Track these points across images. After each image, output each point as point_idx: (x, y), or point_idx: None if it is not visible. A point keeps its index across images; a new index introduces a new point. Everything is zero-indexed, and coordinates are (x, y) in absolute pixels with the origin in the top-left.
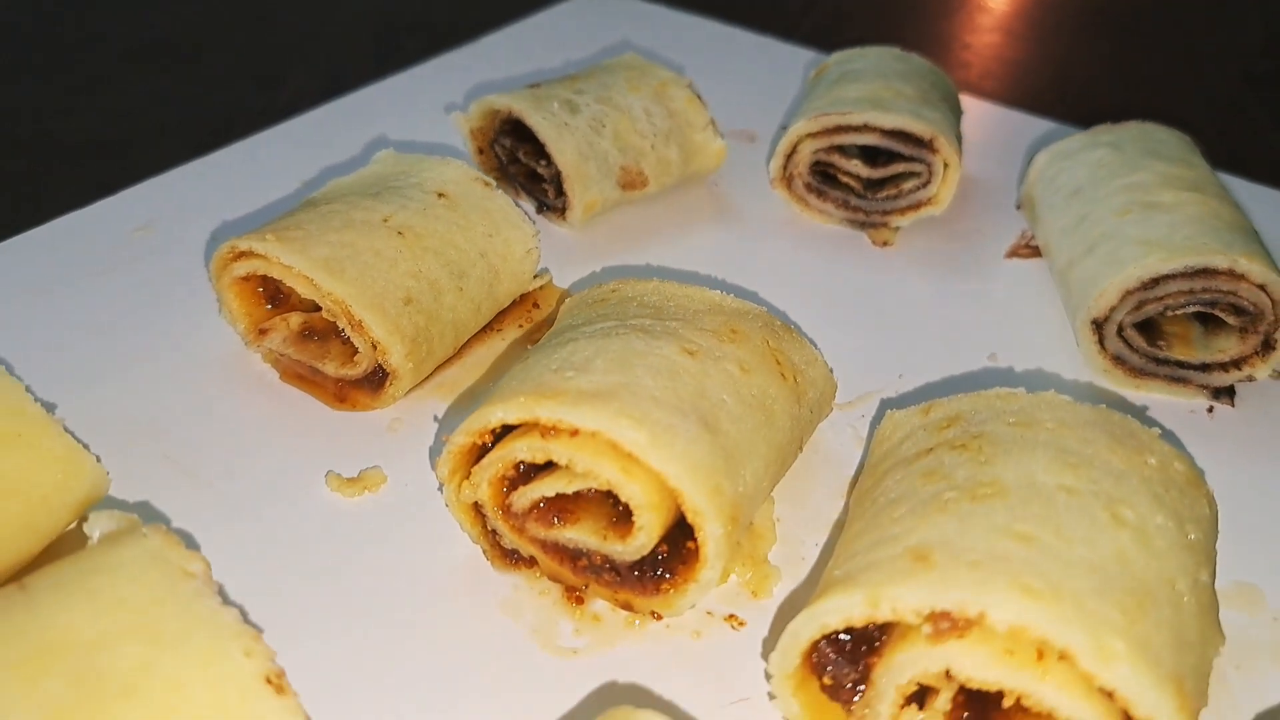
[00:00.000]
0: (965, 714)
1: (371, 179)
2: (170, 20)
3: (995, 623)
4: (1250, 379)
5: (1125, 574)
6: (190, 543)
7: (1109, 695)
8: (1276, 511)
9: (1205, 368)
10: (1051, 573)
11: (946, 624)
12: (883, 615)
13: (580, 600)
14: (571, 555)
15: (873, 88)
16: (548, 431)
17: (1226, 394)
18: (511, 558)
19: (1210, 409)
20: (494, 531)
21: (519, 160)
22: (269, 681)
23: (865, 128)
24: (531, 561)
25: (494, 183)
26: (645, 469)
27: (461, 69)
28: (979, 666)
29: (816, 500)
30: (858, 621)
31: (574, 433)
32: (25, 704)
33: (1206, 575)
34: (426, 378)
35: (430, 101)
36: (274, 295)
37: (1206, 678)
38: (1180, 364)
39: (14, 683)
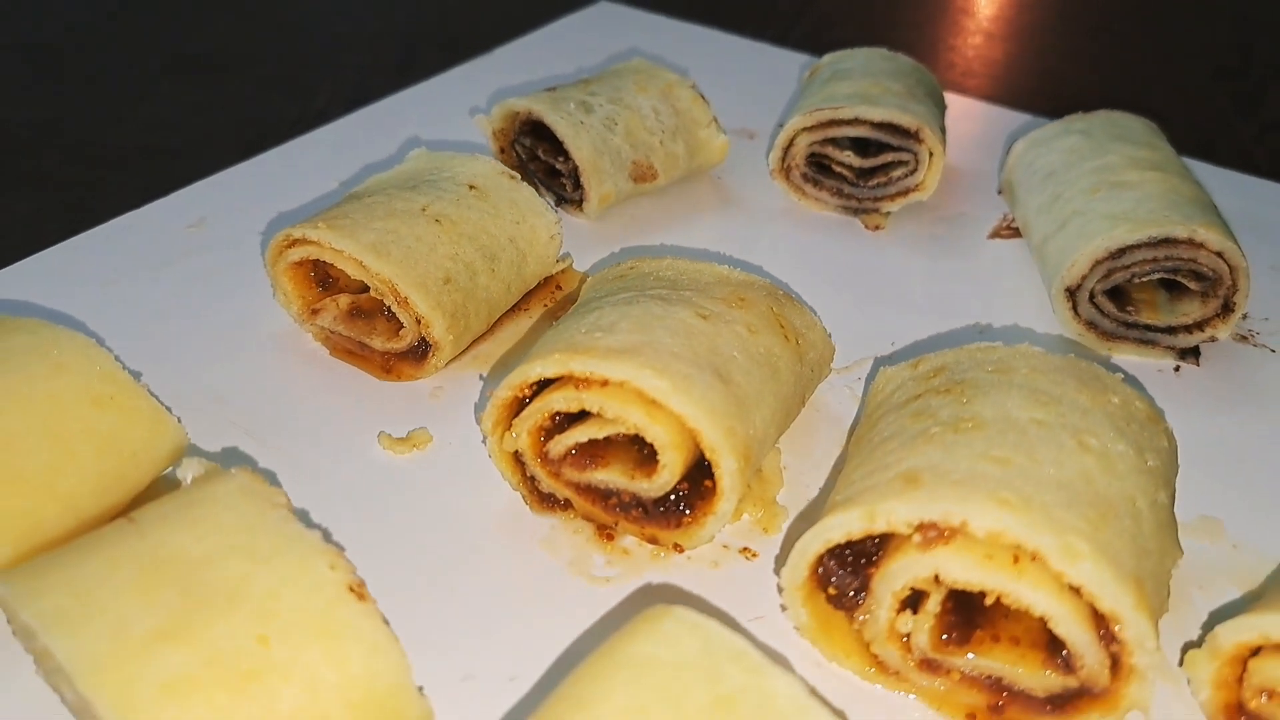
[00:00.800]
0: (953, 618)
1: (408, 174)
2: (204, 36)
3: (975, 530)
4: (1213, 339)
5: (1089, 491)
6: None
7: (1077, 592)
8: (1236, 455)
9: (1171, 330)
10: (1023, 488)
11: (934, 533)
12: (878, 528)
13: (611, 537)
14: (602, 495)
15: (862, 85)
16: (580, 383)
17: (1191, 354)
18: (548, 501)
19: (1177, 368)
20: (532, 478)
21: (538, 158)
22: (351, 590)
23: (856, 121)
24: (567, 504)
25: (518, 176)
26: (667, 413)
27: (481, 77)
28: (963, 570)
29: (818, 450)
30: (857, 534)
31: (604, 383)
32: (146, 612)
33: (1165, 497)
34: (463, 351)
35: (454, 107)
36: (323, 279)
37: (1165, 585)
38: (1148, 327)
39: (134, 594)
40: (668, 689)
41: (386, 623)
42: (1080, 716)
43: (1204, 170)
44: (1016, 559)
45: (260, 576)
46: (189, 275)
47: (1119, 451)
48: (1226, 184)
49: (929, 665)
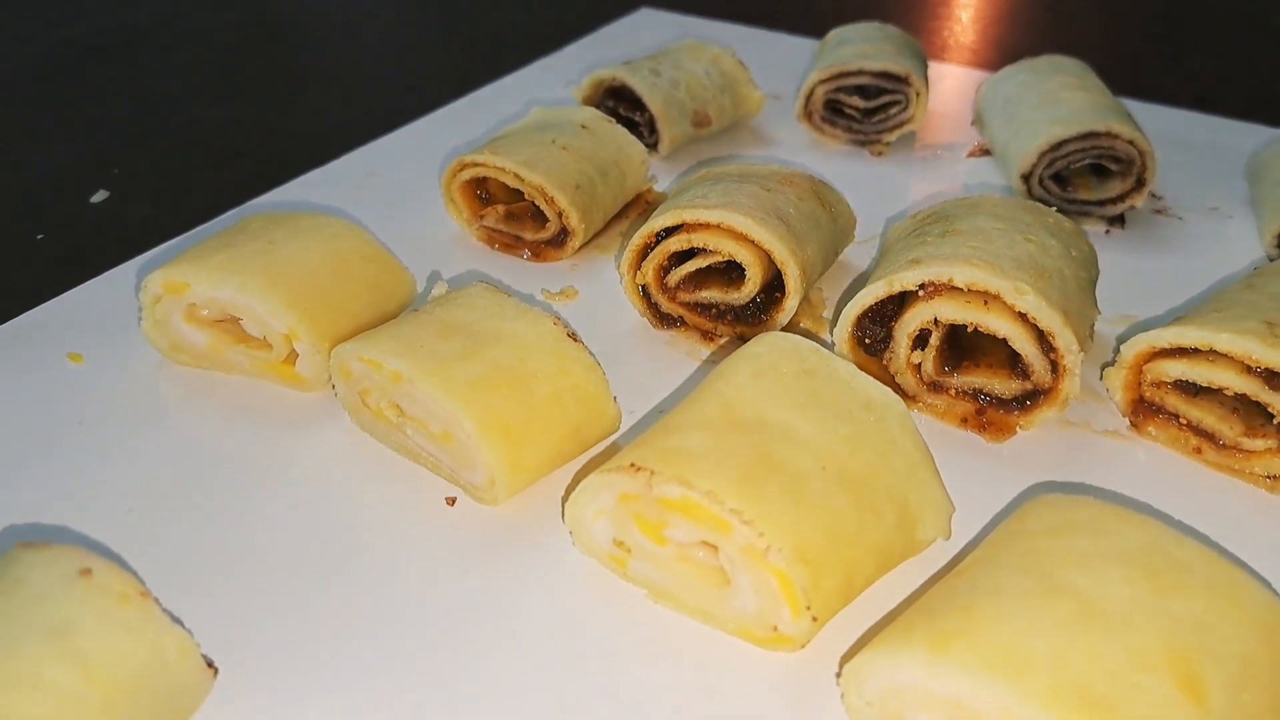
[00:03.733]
0: (948, 351)
1: (534, 123)
2: (316, 53)
3: (959, 283)
4: (1132, 208)
5: (1031, 262)
6: None
7: (1025, 319)
8: (1148, 283)
9: (1101, 203)
10: (988, 258)
11: (932, 288)
12: (895, 290)
13: (711, 339)
14: (706, 308)
15: (862, 48)
16: (690, 229)
17: (1118, 221)
18: (666, 320)
19: (1107, 231)
20: (655, 305)
21: (619, 115)
22: (569, 336)
23: (860, 72)
24: (680, 321)
25: (614, 120)
26: (750, 243)
27: (557, 68)
28: (952, 311)
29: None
30: (881, 296)
31: (705, 227)
32: (449, 346)
33: (1084, 274)
34: (587, 242)
35: (540, 87)
36: (482, 197)
37: (1089, 326)
38: (1084, 202)
39: (439, 338)
40: (772, 365)
41: (593, 355)
42: (1035, 411)
43: (1135, 105)
44: (986, 301)
45: (512, 328)
46: (373, 206)
47: (1051, 245)
48: (1148, 112)
49: (934, 386)
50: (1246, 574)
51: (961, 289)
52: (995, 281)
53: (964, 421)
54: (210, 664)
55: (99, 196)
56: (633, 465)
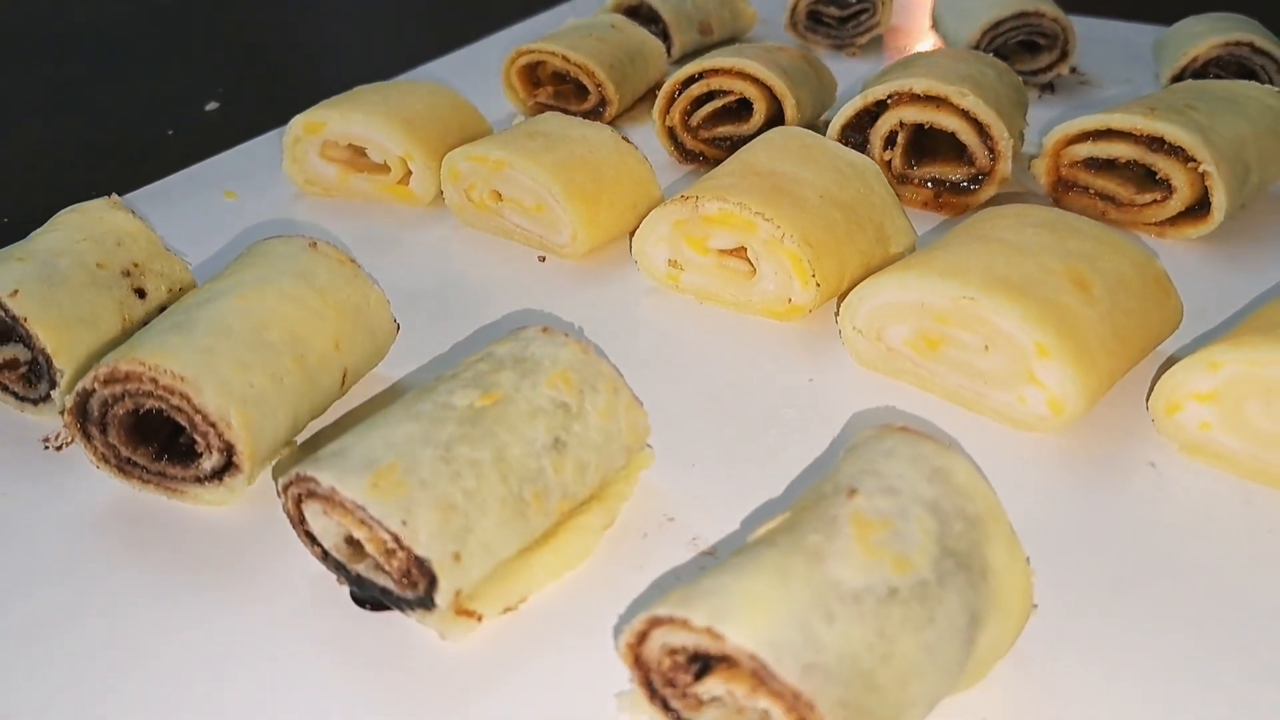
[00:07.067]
0: (911, 151)
1: (573, 26)
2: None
3: (917, 90)
4: (1059, 75)
5: (971, 78)
6: None
7: (968, 117)
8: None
9: (1034, 72)
10: (939, 75)
11: (897, 97)
12: (870, 101)
13: None
14: (721, 143)
15: None
16: (710, 74)
17: (1049, 88)
18: (688, 156)
19: (1040, 95)
20: (679, 143)
21: None
22: (624, 139)
23: None
24: (699, 157)
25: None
26: (756, 83)
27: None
28: (913, 114)
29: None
30: (859, 107)
31: (720, 72)
32: (528, 144)
33: (1015, 99)
34: (621, 113)
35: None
36: (534, 80)
37: (1019, 133)
38: (1022, 72)
39: (521, 139)
40: (780, 142)
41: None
42: (980, 191)
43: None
44: (938, 105)
45: (580, 133)
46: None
47: (988, 73)
48: (1085, 24)
49: (901, 178)
50: (1127, 236)
51: (920, 95)
52: (943, 87)
53: (925, 205)
54: (395, 321)
55: (211, 105)
56: (682, 196)
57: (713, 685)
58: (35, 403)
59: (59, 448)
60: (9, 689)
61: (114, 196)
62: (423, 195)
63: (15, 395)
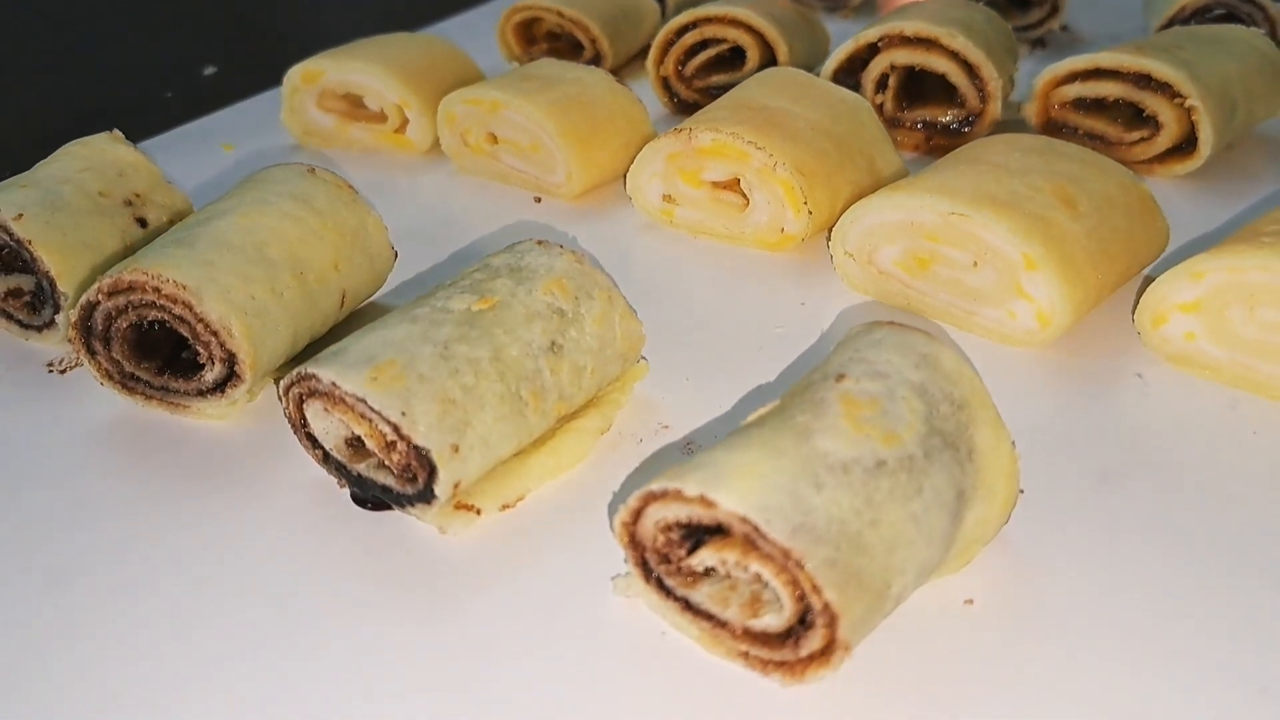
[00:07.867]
0: (904, 95)
1: None
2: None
3: (908, 33)
4: (1050, 31)
5: (960, 21)
6: None
7: (957, 58)
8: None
9: (1027, 28)
10: (928, 17)
11: (887, 40)
12: (860, 44)
13: None
14: (716, 90)
15: None
16: (704, 23)
17: (1040, 43)
18: (683, 107)
19: (1031, 50)
20: (674, 93)
21: None
22: (618, 81)
23: None
24: (693, 106)
25: None
26: (749, 31)
27: None
28: (904, 56)
29: None
30: (850, 50)
31: (711, 20)
32: (523, 85)
33: (1005, 44)
34: (622, 65)
35: None
36: (529, 38)
37: (1008, 76)
38: (1016, 28)
39: (517, 81)
40: (775, 81)
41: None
42: (971, 133)
43: None
44: (928, 48)
45: (575, 75)
46: None
47: (978, 17)
48: None
49: (893, 122)
50: (1111, 159)
51: (910, 38)
52: (933, 29)
53: (916, 148)
54: (393, 247)
55: (209, 69)
56: (675, 130)
57: (705, 556)
58: (40, 329)
59: (63, 371)
60: (15, 586)
61: (115, 131)
62: (419, 143)
63: (20, 323)
